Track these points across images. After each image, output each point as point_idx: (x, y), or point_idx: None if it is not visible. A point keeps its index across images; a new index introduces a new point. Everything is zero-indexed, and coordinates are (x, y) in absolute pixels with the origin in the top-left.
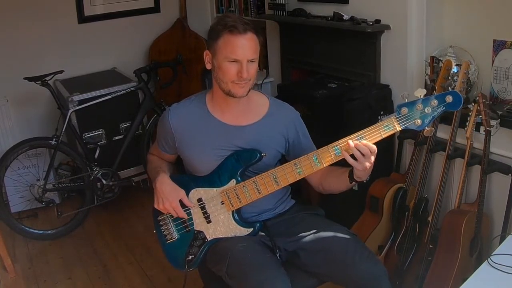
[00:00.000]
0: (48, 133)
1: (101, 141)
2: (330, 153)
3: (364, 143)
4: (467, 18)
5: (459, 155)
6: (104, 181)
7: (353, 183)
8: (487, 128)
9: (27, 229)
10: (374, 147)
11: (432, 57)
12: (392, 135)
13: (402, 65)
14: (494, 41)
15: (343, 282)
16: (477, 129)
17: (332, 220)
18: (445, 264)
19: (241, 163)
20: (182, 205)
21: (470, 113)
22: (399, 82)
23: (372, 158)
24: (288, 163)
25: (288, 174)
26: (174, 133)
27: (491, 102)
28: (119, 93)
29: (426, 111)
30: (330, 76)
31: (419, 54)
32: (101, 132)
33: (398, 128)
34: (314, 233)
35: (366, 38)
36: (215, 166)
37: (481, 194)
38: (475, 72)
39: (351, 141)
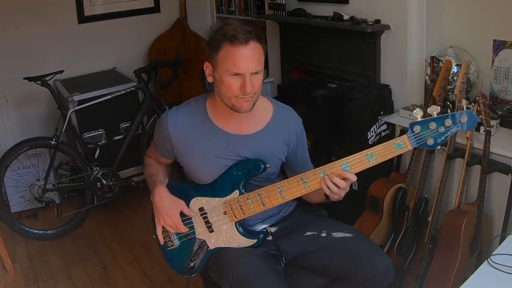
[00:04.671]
0: (48, 133)
1: (101, 141)
2: (338, 169)
3: (341, 179)
4: (467, 18)
5: (459, 155)
6: (104, 181)
7: (329, 200)
8: (487, 128)
9: (27, 229)
10: (355, 178)
11: (432, 57)
12: (392, 135)
13: (402, 65)
14: (494, 41)
15: (350, 277)
16: (477, 129)
17: (332, 218)
18: (445, 264)
19: (244, 174)
20: (183, 214)
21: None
22: (399, 82)
23: (347, 190)
24: (295, 177)
25: (294, 189)
26: (173, 141)
27: (491, 102)
28: (119, 93)
29: (439, 130)
30: (330, 76)
31: (419, 54)
32: (101, 132)
33: (410, 147)
34: (320, 232)
35: (366, 38)
36: (217, 175)
37: (481, 194)
38: (475, 72)
39: (327, 176)
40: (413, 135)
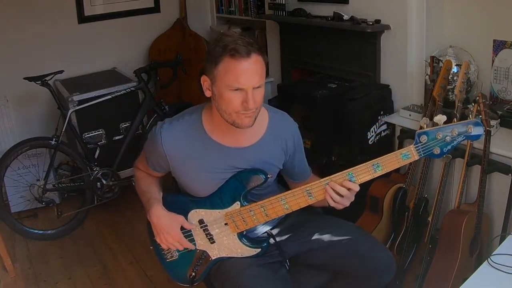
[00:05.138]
0: (48, 133)
1: (101, 141)
2: (343, 180)
3: (346, 186)
4: (467, 18)
5: (459, 155)
6: (104, 181)
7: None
8: (487, 128)
9: (27, 229)
10: (358, 188)
11: (432, 57)
12: (392, 135)
13: (402, 65)
14: (494, 41)
15: (353, 273)
16: None
17: (329, 214)
18: (445, 264)
19: (244, 186)
20: (183, 228)
21: (470, 113)
22: (399, 82)
23: (351, 199)
24: (299, 189)
25: (299, 200)
26: (168, 158)
27: (491, 102)
28: (119, 93)
29: (446, 140)
30: (330, 76)
31: (419, 54)
32: (101, 132)
33: (416, 157)
34: (320, 230)
35: (366, 38)
36: (214, 189)
37: (481, 194)
38: (475, 72)
39: (328, 185)
40: (420, 145)
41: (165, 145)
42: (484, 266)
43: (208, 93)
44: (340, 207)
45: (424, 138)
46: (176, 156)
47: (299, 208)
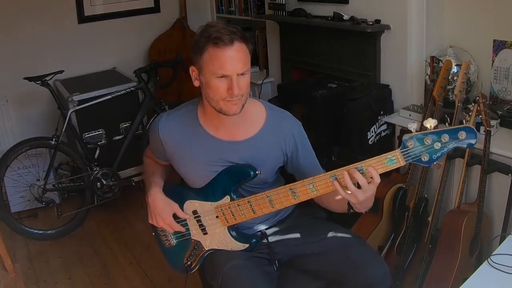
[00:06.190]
0: (48, 133)
1: (101, 141)
2: (327, 182)
3: (360, 175)
4: (467, 18)
5: (459, 155)
6: (104, 181)
7: (351, 211)
8: (487, 128)
9: (27, 229)
10: (379, 179)
11: (432, 57)
12: (392, 135)
13: (402, 65)
14: (494, 41)
15: (346, 282)
16: (477, 129)
17: (332, 220)
18: (445, 264)
19: (234, 180)
20: (177, 217)
21: (470, 113)
22: (399, 82)
23: (370, 191)
24: (284, 187)
25: (283, 198)
26: (165, 147)
27: (491, 102)
28: (119, 93)
29: (435, 146)
30: (330, 76)
31: (419, 54)
32: (101, 132)
33: (402, 163)
34: (317, 236)
35: (366, 38)
36: (209, 180)
37: (481, 194)
38: (475, 72)
39: (346, 172)
40: (406, 150)
41: (162, 133)
42: (484, 266)
43: (196, 83)
44: (358, 207)
45: (411, 143)
46: (171, 144)
47: (283, 207)
